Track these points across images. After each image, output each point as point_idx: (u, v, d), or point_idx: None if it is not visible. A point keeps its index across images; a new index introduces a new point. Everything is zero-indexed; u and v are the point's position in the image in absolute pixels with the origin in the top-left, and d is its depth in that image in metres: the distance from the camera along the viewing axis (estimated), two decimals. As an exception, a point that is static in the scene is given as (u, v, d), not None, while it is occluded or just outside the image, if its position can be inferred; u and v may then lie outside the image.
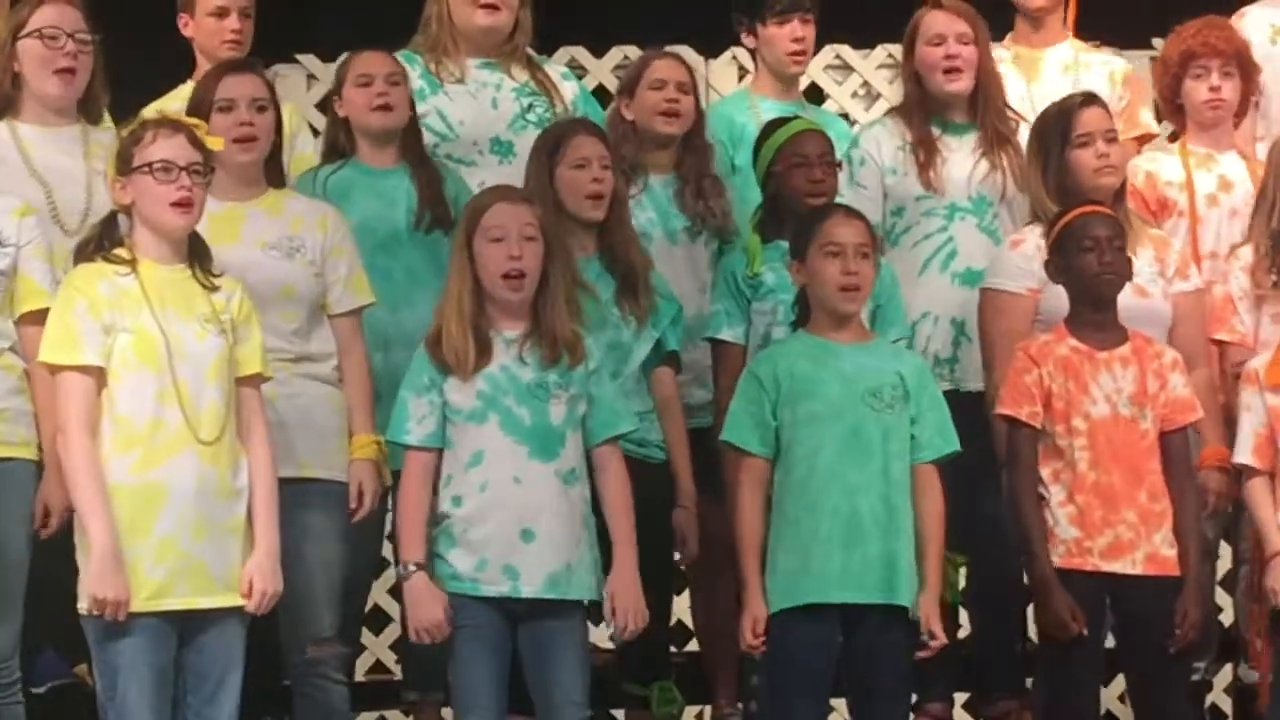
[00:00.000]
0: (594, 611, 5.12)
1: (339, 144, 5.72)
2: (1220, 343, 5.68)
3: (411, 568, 4.96)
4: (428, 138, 5.88)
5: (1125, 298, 5.39)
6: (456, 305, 4.99)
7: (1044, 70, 6.35)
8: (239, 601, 4.76)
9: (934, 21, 5.97)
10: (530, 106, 6.01)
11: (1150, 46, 6.73)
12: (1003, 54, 6.21)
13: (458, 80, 5.99)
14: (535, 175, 5.47)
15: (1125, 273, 5.33)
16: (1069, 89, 6.15)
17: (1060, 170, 5.62)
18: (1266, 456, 5.29)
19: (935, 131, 6.00)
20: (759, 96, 6.20)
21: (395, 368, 5.33)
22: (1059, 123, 5.67)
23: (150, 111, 5.45)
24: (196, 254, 4.87)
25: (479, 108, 5.99)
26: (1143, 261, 5.51)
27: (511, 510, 4.93)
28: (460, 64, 5.99)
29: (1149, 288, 5.60)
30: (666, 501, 5.47)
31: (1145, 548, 5.22)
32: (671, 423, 5.54)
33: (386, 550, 5.76)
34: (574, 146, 5.43)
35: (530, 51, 6.08)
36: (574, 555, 4.97)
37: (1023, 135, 5.99)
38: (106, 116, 5.59)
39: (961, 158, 6.00)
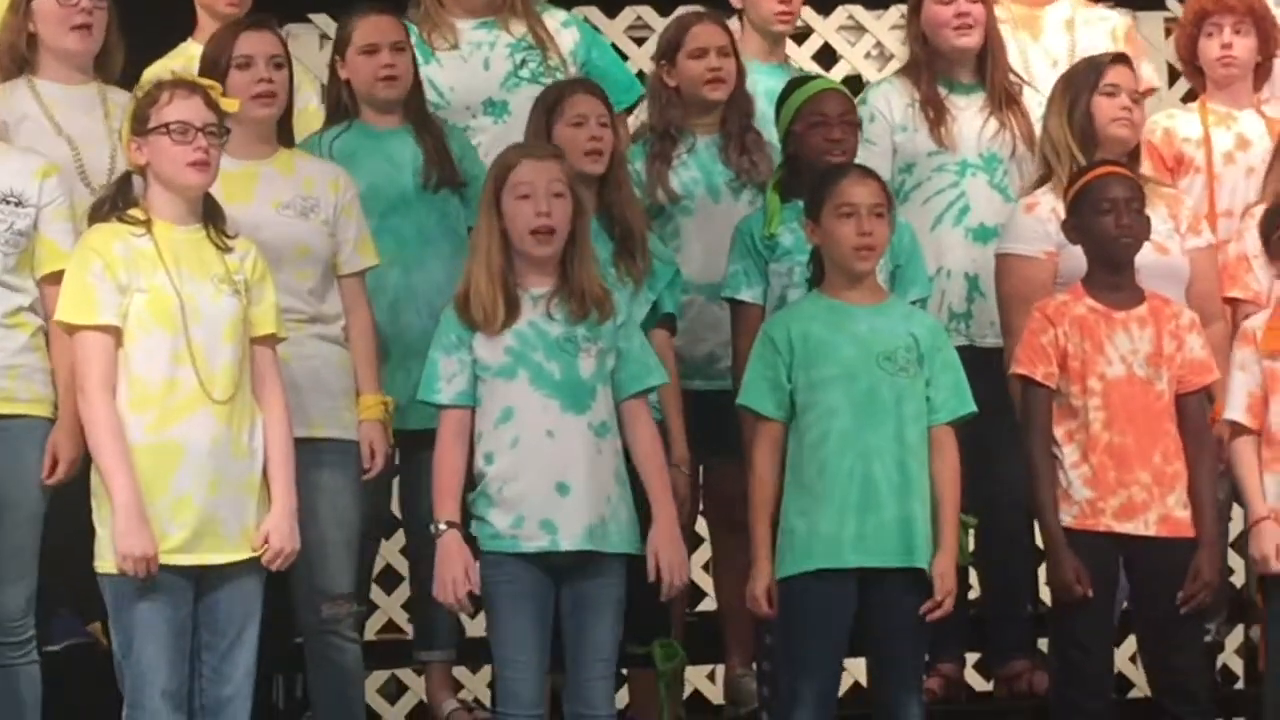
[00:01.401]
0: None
1: (342, 104, 5.69)
2: (1234, 300, 5.66)
3: (442, 526, 4.94)
4: None
5: (1146, 255, 5.38)
6: (485, 262, 4.97)
7: (1044, 27, 6.33)
8: (254, 555, 4.77)
9: None
10: (523, 62, 5.99)
11: (1164, 7, 6.66)
12: (1000, 14, 6.16)
13: (451, 46, 5.97)
14: (534, 133, 5.46)
15: (1143, 234, 5.30)
16: (1069, 46, 6.20)
17: (1085, 116, 5.60)
18: (1258, 416, 5.29)
19: (943, 90, 5.99)
20: (745, 58, 6.07)
21: (405, 328, 5.39)
22: (1090, 72, 5.68)
23: (155, 70, 5.52)
24: (211, 215, 4.86)
25: (470, 71, 5.97)
26: (1157, 219, 5.47)
27: (545, 464, 4.91)
28: (453, 28, 5.97)
29: (1167, 244, 5.57)
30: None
31: (1159, 509, 5.20)
32: (666, 384, 5.45)
33: (396, 509, 5.78)
34: (571, 104, 5.42)
35: (532, 4, 6.04)
36: (609, 508, 4.96)
37: (1027, 98, 6.01)
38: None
39: (970, 116, 5.99)
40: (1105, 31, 6.30)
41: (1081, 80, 5.67)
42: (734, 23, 6.25)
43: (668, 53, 5.89)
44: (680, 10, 6.14)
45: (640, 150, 5.81)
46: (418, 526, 5.47)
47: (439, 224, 5.56)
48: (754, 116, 5.92)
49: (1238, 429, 5.30)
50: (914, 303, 5.46)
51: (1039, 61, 6.15)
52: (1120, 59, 5.74)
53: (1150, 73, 6.34)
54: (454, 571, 4.91)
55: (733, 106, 5.86)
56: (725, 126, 5.86)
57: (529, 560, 4.91)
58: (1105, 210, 5.25)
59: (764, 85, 6.05)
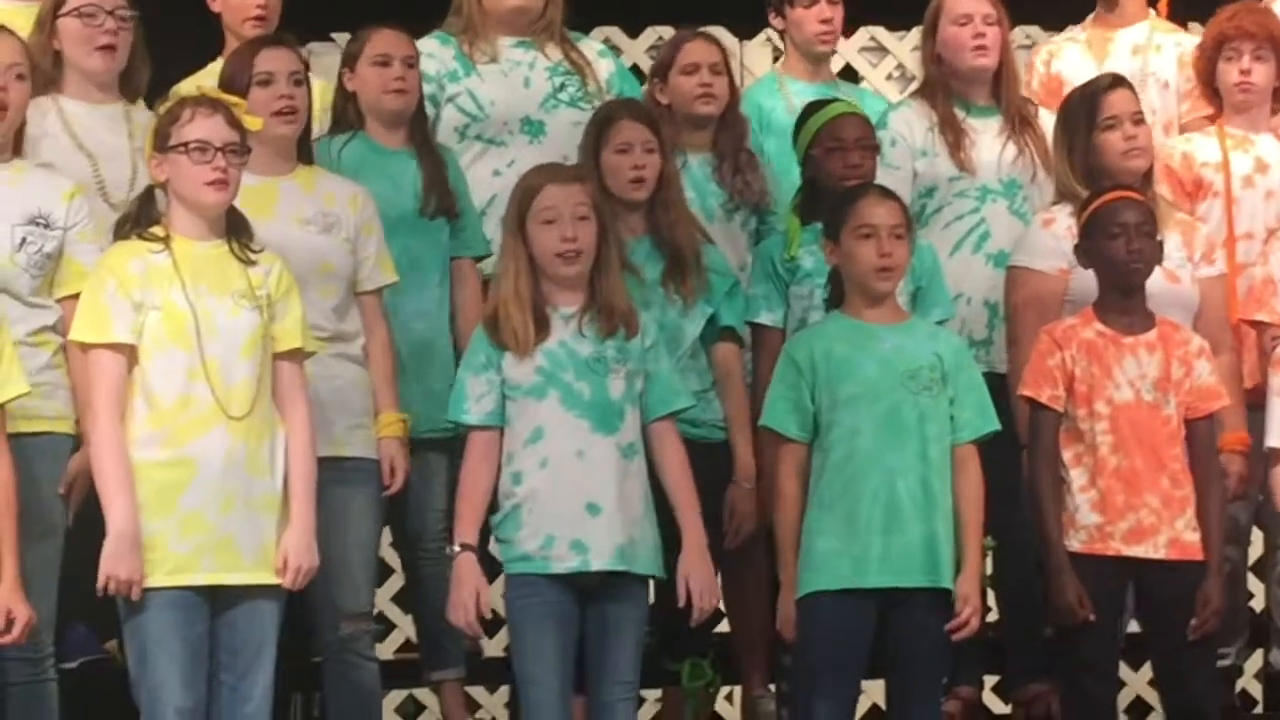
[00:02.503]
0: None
1: (347, 117, 5.68)
2: (1259, 324, 5.62)
3: (458, 548, 4.94)
4: (458, 118, 5.91)
5: (1156, 282, 5.34)
6: (513, 285, 4.97)
7: (1114, 51, 6.30)
8: (271, 579, 4.73)
9: (960, 2, 5.94)
10: (563, 86, 5.98)
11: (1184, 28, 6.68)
12: (1078, 35, 6.19)
13: (490, 60, 5.95)
14: (582, 157, 5.49)
15: (1154, 259, 5.26)
16: (1138, 70, 6.18)
17: (1087, 153, 5.58)
18: None
19: (959, 113, 5.98)
20: (788, 78, 6.18)
21: (396, 349, 5.40)
22: (1085, 105, 5.63)
23: (185, 88, 5.47)
24: (235, 229, 4.84)
25: (510, 87, 5.96)
26: (1171, 246, 5.45)
27: (576, 485, 4.91)
28: (493, 44, 5.96)
29: (1179, 272, 5.55)
30: (720, 482, 5.46)
31: (1168, 532, 5.16)
32: (732, 398, 5.53)
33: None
34: (618, 130, 5.45)
35: (566, 30, 6.05)
36: (638, 530, 4.96)
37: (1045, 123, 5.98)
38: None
39: (988, 140, 5.97)
40: (1174, 56, 6.29)
41: (1077, 115, 5.63)
42: (750, 47, 6.24)
43: (660, 70, 5.88)
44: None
45: None
46: (426, 539, 5.52)
47: (428, 250, 5.55)
48: (747, 137, 5.90)
49: (1277, 456, 5.29)
50: (938, 324, 5.44)
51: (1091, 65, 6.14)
52: (1116, 83, 5.69)
53: None
54: (465, 593, 4.90)
55: (725, 126, 5.85)
56: (717, 146, 5.84)
57: (559, 581, 4.90)
58: (1116, 234, 5.20)
59: (783, 109, 6.11)
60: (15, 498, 4.67)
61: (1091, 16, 6.35)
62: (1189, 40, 6.34)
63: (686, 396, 5.14)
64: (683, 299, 5.40)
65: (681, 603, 4.98)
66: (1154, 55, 6.29)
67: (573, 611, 4.91)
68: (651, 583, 5.07)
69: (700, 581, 4.99)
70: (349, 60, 5.65)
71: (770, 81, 6.30)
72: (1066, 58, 6.33)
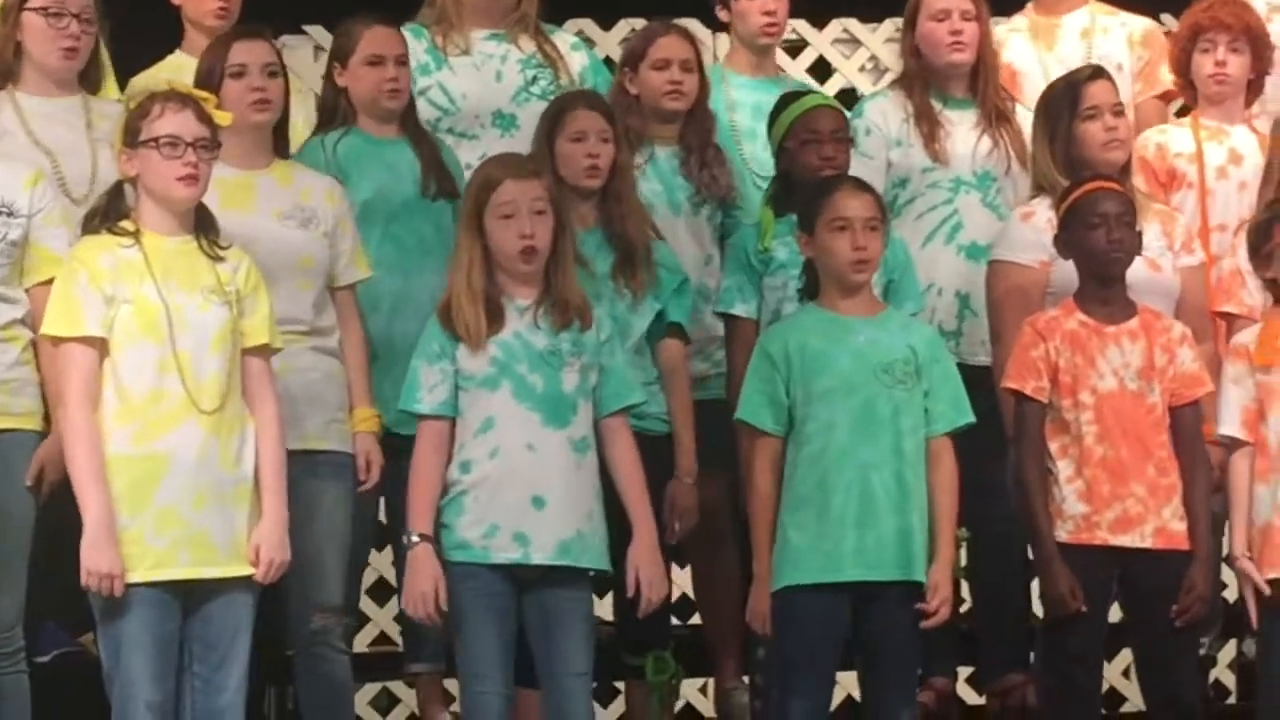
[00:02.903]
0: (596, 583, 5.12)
1: (339, 111, 5.65)
2: (1228, 315, 5.61)
3: (415, 538, 4.94)
4: (430, 111, 5.89)
5: (1138, 271, 5.35)
6: (466, 276, 4.98)
7: (1061, 37, 6.31)
8: (245, 571, 4.74)
9: None
10: (534, 79, 5.98)
11: (1160, 21, 6.71)
12: (1019, 23, 6.20)
13: (463, 52, 5.96)
14: (535, 146, 5.48)
15: (1134, 249, 5.27)
16: (1085, 54, 6.19)
17: (1068, 142, 5.59)
18: (1253, 430, 5.25)
19: (936, 105, 5.98)
20: (730, 72, 6.12)
21: (404, 334, 5.34)
22: (1066, 95, 5.64)
23: (143, 80, 5.56)
24: (203, 225, 4.83)
25: (482, 80, 5.97)
26: (1150, 235, 5.45)
27: (523, 477, 4.91)
28: (466, 36, 5.96)
29: (1160, 261, 5.55)
30: (662, 476, 5.41)
31: (1154, 521, 5.17)
32: (676, 394, 5.52)
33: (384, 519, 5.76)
34: (573, 119, 5.43)
35: (540, 23, 6.04)
36: (585, 524, 4.96)
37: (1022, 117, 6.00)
38: (113, 86, 5.61)
39: (964, 132, 5.98)
40: (1122, 38, 6.31)
41: (1059, 104, 5.64)
42: (723, 39, 6.28)
43: (631, 61, 5.86)
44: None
45: None
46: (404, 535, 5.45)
47: (435, 233, 5.51)
48: (714, 132, 5.88)
49: (1235, 444, 5.25)
50: (912, 315, 5.46)
51: (1055, 71, 6.07)
52: (1097, 74, 5.70)
53: (1168, 75, 6.29)
54: (423, 585, 4.91)
55: (692, 121, 5.83)
56: (685, 140, 5.83)
57: (499, 572, 4.91)
58: (1096, 225, 5.21)
59: (752, 99, 6.07)
60: None
61: (1031, 5, 6.36)
62: (1134, 21, 6.39)
63: (640, 392, 5.15)
64: (632, 293, 5.38)
65: (630, 594, 4.99)
66: (1101, 38, 6.31)
67: (511, 604, 4.91)
68: (613, 579, 5.06)
69: (649, 573, 5.00)
70: (340, 56, 5.64)
71: (714, 74, 6.20)
72: (1013, 48, 6.31)
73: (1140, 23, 6.38)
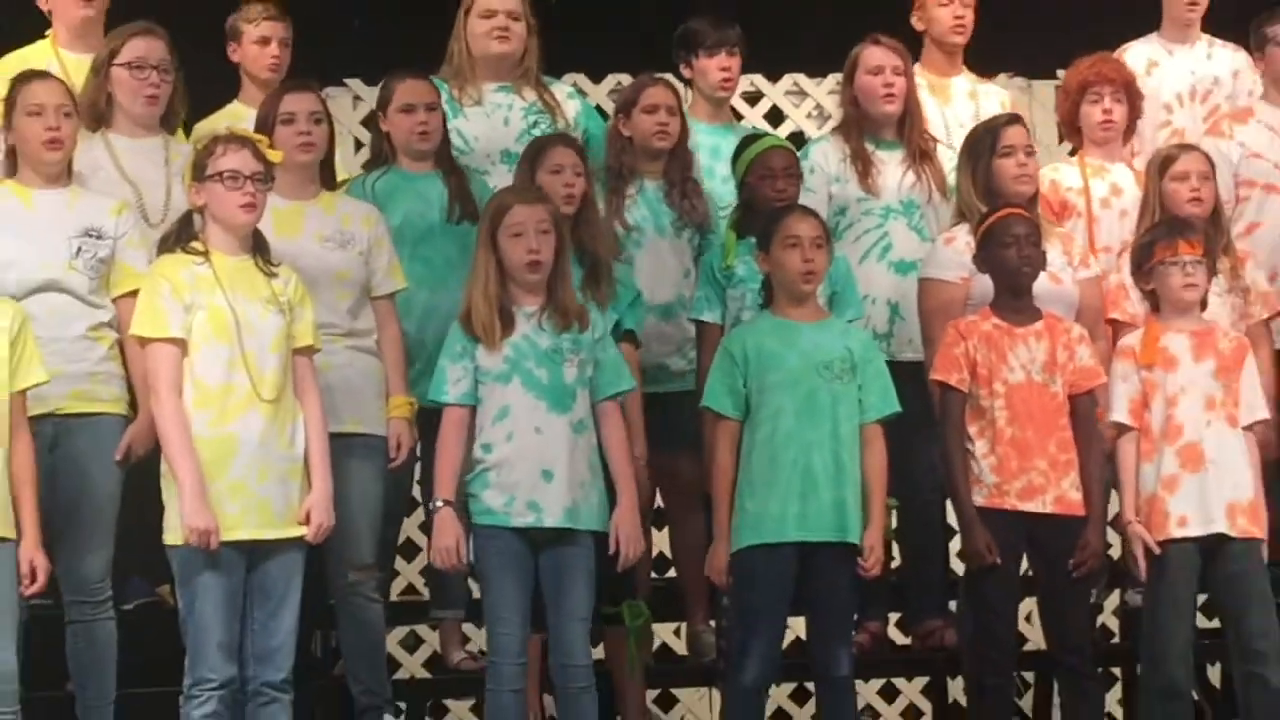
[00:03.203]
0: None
1: (382, 153, 5.68)
2: (1115, 322, 5.64)
3: (440, 504, 4.95)
4: None
5: (1042, 283, 5.39)
6: (483, 287, 4.98)
7: (952, 96, 6.29)
8: (299, 533, 4.77)
9: (873, 55, 5.92)
10: (535, 123, 5.92)
11: (1055, 76, 6.68)
12: (920, 80, 6.14)
13: (475, 102, 5.91)
14: (519, 178, 5.44)
15: (1040, 265, 5.32)
16: (974, 112, 6.18)
17: (987, 175, 5.58)
18: (1139, 417, 5.27)
19: (870, 147, 5.94)
20: (693, 119, 6.00)
21: (432, 339, 5.34)
22: (988, 135, 5.65)
23: (206, 126, 5.57)
24: (258, 246, 4.86)
25: (492, 126, 5.92)
26: (1053, 254, 5.48)
27: (534, 455, 4.92)
28: (478, 88, 5.91)
29: (1061, 275, 5.58)
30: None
31: (1055, 491, 5.19)
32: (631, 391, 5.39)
33: (415, 492, 5.73)
34: (550, 155, 5.38)
35: (540, 76, 6.02)
36: (584, 493, 4.96)
37: (941, 153, 6.00)
38: (181, 132, 5.61)
39: (892, 168, 5.93)
40: (998, 103, 6.29)
41: (981, 144, 5.63)
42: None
43: (625, 107, 5.83)
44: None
45: (600, 188, 5.75)
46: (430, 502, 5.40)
47: (460, 252, 5.43)
48: (692, 168, 5.85)
49: (1121, 429, 5.28)
50: (850, 322, 5.44)
51: (952, 123, 6.12)
52: (1014, 120, 5.73)
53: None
54: (447, 541, 4.92)
55: (674, 158, 5.79)
56: (668, 174, 5.78)
57: (516, 533, 4.91)
58: (1008, 244, 5.25)
59: (709, 143, 6.03)
60: (35, 471, 4.66)
61: (920, 64, 6.22)
62: (1002, 93, 6.43)
63: (629, 381, 5.13)
64: (597, 303, 5.24)
65: (611, 551, 4.97)
66: (983, 100, 6.28)
67: (528, 559, 4.92)
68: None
69: (628, 533, 4.99)
70: (382, 105, 5.65)
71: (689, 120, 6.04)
72: (930, 86, 6.24)
73: (1007, 95, 6.45)
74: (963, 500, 5.21)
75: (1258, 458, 5.31)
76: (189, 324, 4.73)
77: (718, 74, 6.06)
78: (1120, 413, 5.28)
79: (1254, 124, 6.13)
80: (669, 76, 6.00)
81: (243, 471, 4.71)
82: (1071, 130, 6.12)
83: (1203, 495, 5.19)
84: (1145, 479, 5.25)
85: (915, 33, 6.24)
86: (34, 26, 5.81)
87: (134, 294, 4.90)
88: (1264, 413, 5.33)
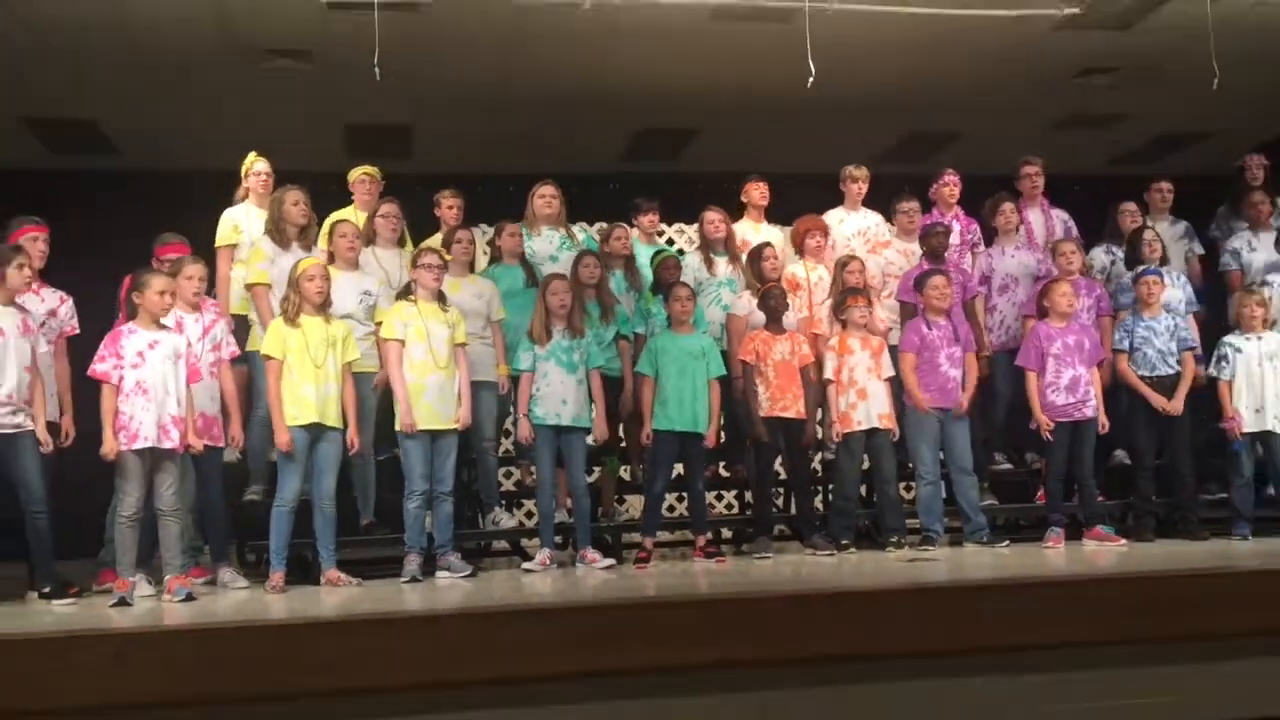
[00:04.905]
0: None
1: (500, 257, 5.39)
2: (821, 336, 5.37)
3: (522, 416, 4.82)
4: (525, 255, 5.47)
5: (789, 317, 5.24)
6: (541, 320, 4.86)
7: (761, 231, 5.82)
8: (456, 426, 4.55)
9: (711, 215, 5.64)
10: (564, 244, 5.50)
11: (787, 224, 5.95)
12: (745, 224, 5.79)
13: (537, 235, 5.49)
14: (571, 268, 5.19)
15: (784, 308, 5.19)
16: (763, 237, 5.85)
17: (758, 268, 5.37)
18: (838, 375, 5.10)
19: (712, 256, 5.62)
20: (636, 242, 5.60)
21: (513, 343, 5.05)
22: (758, 250, 5.40)
23: (428, 244, 5.13)
24: (440, 298, 4.69)
25: (544, 244, 5.49)
26: (793, 307, 5.33)
27: (558, 392, 4.77)
28: (538, 228, 5.50)
29: (794, 316, 5.36)
30: (616, 392, 5.13)
31: (795, 409, 5.05)
32: (624, 365, 5.17)
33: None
34: (584, 259, 5.15)
35: (566, 221, 5.60)
36: (581, 411, 4.81)
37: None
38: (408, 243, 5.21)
39: (721, 265, 5.60)
40: (774, 235, 5.83)
41: (755, 253, 5.38)
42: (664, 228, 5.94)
43: (605, 238, 5.47)
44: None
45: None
46: (482, 437, 5.07)
47: (528, 301, 5.09)
48: (635, 264, 5.48)
49: (829, 383, 5.13)
50: (702, 333, 5.16)
51: (763, 237, 5.68)
52: (769, 244, 5.43)
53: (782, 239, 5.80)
54: (525, 431, 4.76)
55: (629, 261, 5.46)
56: (626, 267, 5.42)
57: (550, 428, 4.74)
58: (773, 300, 5.13)
59: (644, 252, 5.64)
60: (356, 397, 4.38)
61: (745, 218, 5.82)
62: (772, 229, 5.85)
63: (599, 359, 4.90)
64: (606, 322, 5.11)
65: (591, 439, 4.83)
66: (765, 232, 5.74)
67: (555, 440, 4.74)
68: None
69: (599, 430, 4.85)
70: (498, 234, 5.37)
71: (634, 243, 5.63)
72: (742, 229, 5.77)
73: (775, 230, 5.83)
74: (753, 414, 5.05)
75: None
76: (406, 334, 4.58)
77: (647, 223, 5.77)
78: (830, 373, 5.14)
79: (891, 250, 5.78)
80: (623, 224, 5.82)
81: (431, 398, 4.55)
82: (800, 245, 5.68)
83: (868, 410, 5.06)
84: (841, 403, 5.05)
85: (740, 202, 5.90)
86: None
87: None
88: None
